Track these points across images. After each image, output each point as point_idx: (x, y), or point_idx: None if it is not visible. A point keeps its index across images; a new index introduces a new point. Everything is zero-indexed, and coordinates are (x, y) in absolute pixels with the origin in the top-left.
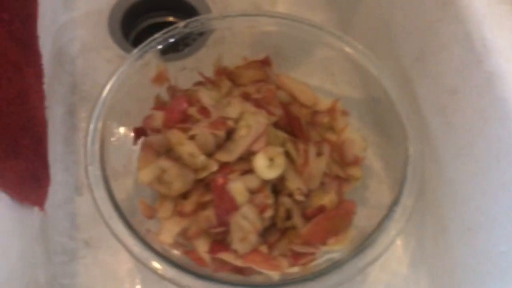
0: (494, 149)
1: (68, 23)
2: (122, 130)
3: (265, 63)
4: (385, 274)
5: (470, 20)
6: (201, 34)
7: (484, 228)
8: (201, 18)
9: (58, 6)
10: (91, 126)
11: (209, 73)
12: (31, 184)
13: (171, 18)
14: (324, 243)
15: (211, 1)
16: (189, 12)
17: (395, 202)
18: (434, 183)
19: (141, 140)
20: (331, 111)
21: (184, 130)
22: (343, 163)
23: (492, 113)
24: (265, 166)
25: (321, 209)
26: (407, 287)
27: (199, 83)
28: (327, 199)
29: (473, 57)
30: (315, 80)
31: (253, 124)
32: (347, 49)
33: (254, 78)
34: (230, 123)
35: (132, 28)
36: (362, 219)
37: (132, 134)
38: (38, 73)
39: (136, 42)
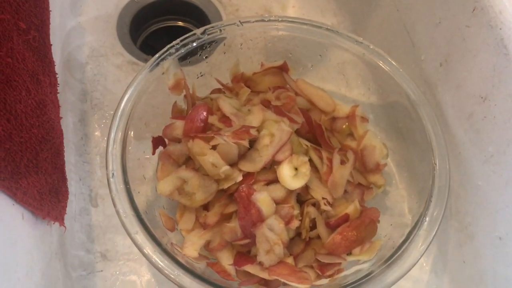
0: None
1: (76, 29)
2: (140, 140)
3: (282, 68)
4: (407, 281)
5: (503, 26)
6: (217, 39)
7: None
8: (219, 24)
9: (66, 12)
10: (111, 137)
11: (225, 79)
12: (51, 199)
13: (180, 23)
14: (349, 253)
15: (220, 5)
16: (198, 16)
17: (423, 214)
18: (458, 190)
19: (159, 150)
20: (350, 117)
21: (207, 140)
22: (365, 170)
23: None
24: (291, 176)
25: (346, 218)
26: None
27: (217, 90)
28: (351, 207)
29: (505, 63)
30: (330, 85)
31: (276, 132)
32: (364, 52)
33: (272, 84)
34: (254, 132)
35: (141, 33)
36: (386, 228)
37: (150, 144)
38: (53, 82)
39: (144, 47)
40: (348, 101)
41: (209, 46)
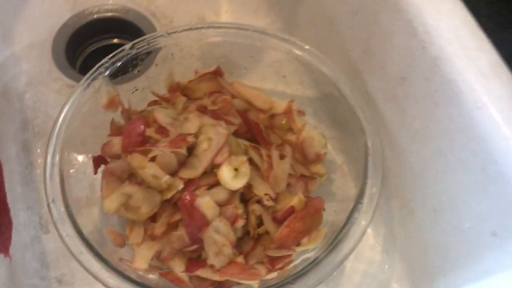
0: (447, 130)
1: (11, 59)
2: (81, 160)
3: (217, 73)
4: (361, 264)
5: (410, 8)
6: (149, 52)
7: (448, 208)
8: (147, 38)
9: None
10: (48, 161)
11: (162, 90)
12: None
13: (116, 40)
14: (298, 244)
15: (154, 19)
16: (134, 32)
17: (361, 194)
18: (395, 169)
19: (102, 168)
20: (287, 112)
21: (144, 153)
22: (306, 161)
23: (441, 96)
24: (231, 177)
25: (291, 211)
26: (383, 273)
27: (153, 103)
28: (296, 200)
29: (417, 43)
30: (268, 83)
31: (213, 136)
32: (294, 50)
33: (208, 90)
34: (191, 139)
35: (78, 55)
36: (332, 214)
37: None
38: None
39: (83, 69)
40: (287, 97)
41: (143, 60)
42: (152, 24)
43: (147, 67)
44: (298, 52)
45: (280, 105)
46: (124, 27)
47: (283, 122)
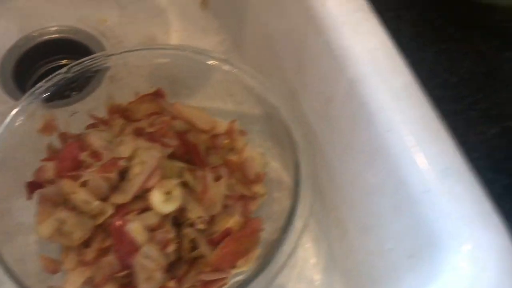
0: (367, 151)
1: None
2: (14, 186)
3: (157, 95)
4: (302, 284)
5: (330, 30)
6: (95, 72)
7: (373, 228)
8: (84, 61)
9: None
10: None
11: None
12: None
13: (65, 61)
14: (234, 266)
15: (104, 39)
16: (84, 52)
17: (291, 212)
18: (329, 187)
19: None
20: (229, 132)
21: (76, 178)
22: (247, 181)
23: (360, 117)
24: (162, 201)
25: (227, 233)
26: None
27: (92, 125)
28: (232, 221)
29: (336, 65)
30: (217, 103)
31: (146, 159)
32: (234, 70)
33: (149, 112)
34: (122, 163)
35: (27, 78)
36: (272, 233)
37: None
38: None
39: None
40: (235, 116)
41: (88, 81)
42: (101, 44)
43: (95, 88)
44: (238, 73)
45: (223, 125)
46: (74, 48)
47: (225, 142)
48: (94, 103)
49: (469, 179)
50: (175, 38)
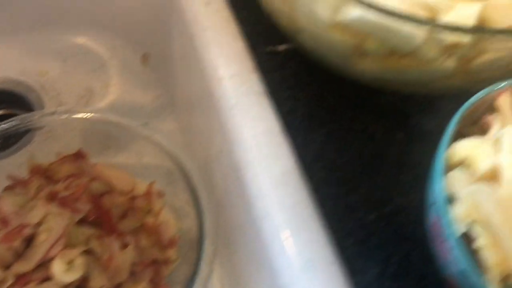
0: (247, 238)
1: None
2: None
3: (78, 156)
4: None
5: (223, 109)
6: (27, 131)
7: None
8: (11, 121)
9: None
10: None
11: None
12: None
13: (1, 112)
14: None
15: (43, 90)
16: (21, 103)
17: (195, 272)
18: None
19: None
20: (147, 194)
21: None
22: (161, 246)
23: (242, 202)
24: (63, 271)
25: None
26: None
27: (9, 187)
28: None
29: (229, 148)
30: (148, 158)
31: (54, 226)
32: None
33: (70, 172)
34: (28, 230)
35: None
36: None
37: None
38: None
39: None
40: (154, 176)
41: (21, 139)
42: (39, 96)
43: (25, 145)
44: (156, 137)
45: (141, 187)
46: (13, 99)
47: (144, 204)
48: (21, 160)
49: (331, 272)
50: (113, 91)
